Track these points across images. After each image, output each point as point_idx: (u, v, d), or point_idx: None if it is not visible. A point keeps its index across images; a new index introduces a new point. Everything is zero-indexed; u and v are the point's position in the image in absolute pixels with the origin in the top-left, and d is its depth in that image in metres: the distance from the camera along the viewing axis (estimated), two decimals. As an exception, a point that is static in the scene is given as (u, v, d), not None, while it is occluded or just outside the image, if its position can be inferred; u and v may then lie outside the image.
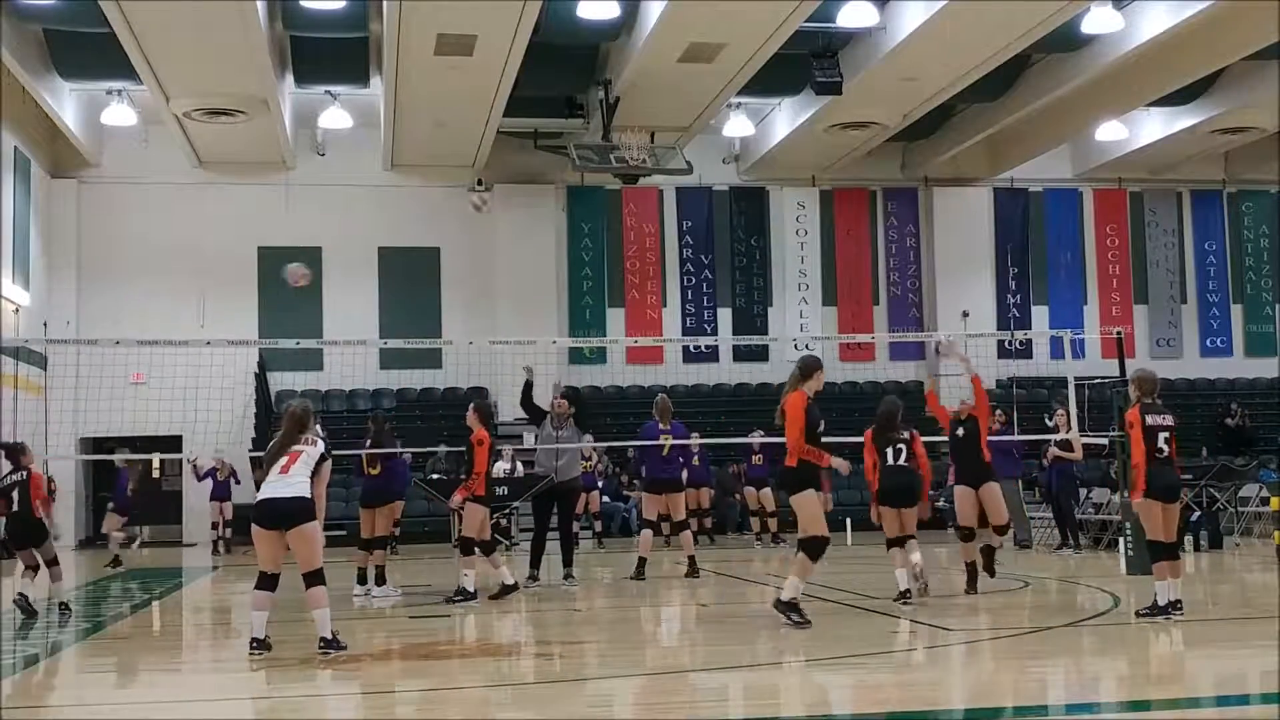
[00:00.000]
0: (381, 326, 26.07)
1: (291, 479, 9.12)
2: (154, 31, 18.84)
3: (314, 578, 9.08)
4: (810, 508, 9.99)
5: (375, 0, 19.47)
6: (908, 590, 11.38)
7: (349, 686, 8.44)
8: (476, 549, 12.65)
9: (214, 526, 22.47)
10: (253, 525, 9.19)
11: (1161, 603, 10.04)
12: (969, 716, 7.18)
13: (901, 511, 11.75)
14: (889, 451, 11.85)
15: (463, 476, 13.30)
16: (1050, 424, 18.13)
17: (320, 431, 9.83)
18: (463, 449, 13.19)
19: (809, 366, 10.21)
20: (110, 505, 20.34)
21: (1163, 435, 10.18)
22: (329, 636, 9.07)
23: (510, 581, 12.70)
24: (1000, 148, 27.50)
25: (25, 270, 23.61)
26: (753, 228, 28.46)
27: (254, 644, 9.08)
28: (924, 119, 24.65)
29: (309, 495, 9.11)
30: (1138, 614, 10.24)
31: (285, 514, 9.04)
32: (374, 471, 13.61)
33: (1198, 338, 29.74)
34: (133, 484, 19.96)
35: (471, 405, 13.01)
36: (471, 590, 12.50)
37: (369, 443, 13.81)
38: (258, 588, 9.17)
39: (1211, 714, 7.20)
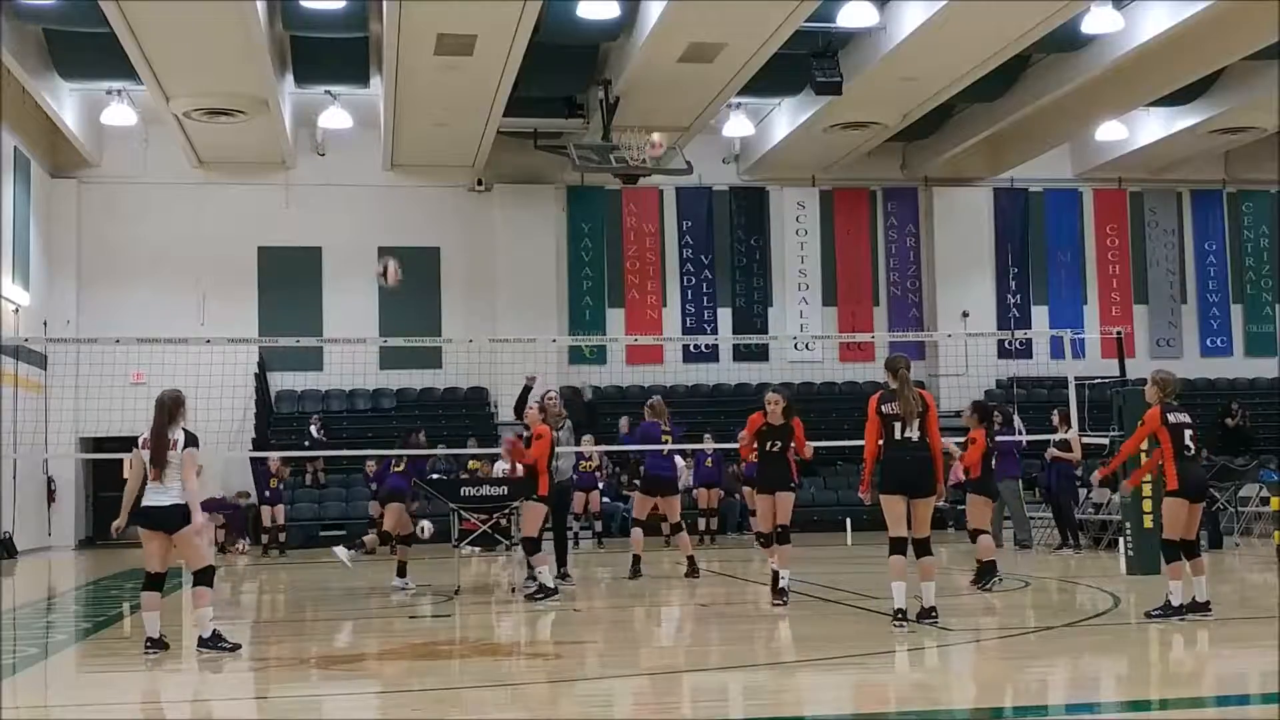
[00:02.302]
0: (381, 326, 26.03)
1: (164, 486, 9.30)
2: (154, 31, 18.83)
3: (200, 577, 9.43)
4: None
5: (375, 0, 19.47)
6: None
7: (349, 687, 8.45)
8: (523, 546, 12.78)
9: (265, 530, 21.83)
10: (139, 527, 9.44)
11: (1175, 603, 10.00)
12: (969, 717, 7.18)
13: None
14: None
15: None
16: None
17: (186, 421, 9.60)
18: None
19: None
20: None
21: (1188, 433, 10.23)
22: (206, 636, 9.30)
23: (551, 585, 12.62)
24: (1000, 148, 27.48)
25: (25, 270, 23.58)
26: (753, 228, 28.43)
27: (149, 643, 9.31)
28: (924, 119, 24.63)
29: (183, 501, 9.31)
30: (1147, 614, 10.19)
31: (163, 522, 9.29)
32: (399, 469, 14.05)
33: (1198, 338, 29.72)
34: None
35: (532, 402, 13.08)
36: (552, 586, 12.52)
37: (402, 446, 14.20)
38: (145, 589, 9.42)
39: (1211, 714, 7.20)
